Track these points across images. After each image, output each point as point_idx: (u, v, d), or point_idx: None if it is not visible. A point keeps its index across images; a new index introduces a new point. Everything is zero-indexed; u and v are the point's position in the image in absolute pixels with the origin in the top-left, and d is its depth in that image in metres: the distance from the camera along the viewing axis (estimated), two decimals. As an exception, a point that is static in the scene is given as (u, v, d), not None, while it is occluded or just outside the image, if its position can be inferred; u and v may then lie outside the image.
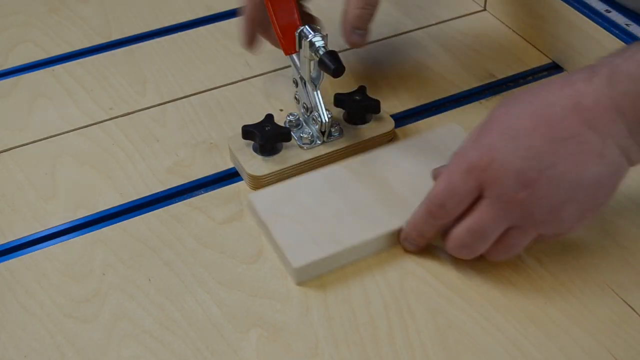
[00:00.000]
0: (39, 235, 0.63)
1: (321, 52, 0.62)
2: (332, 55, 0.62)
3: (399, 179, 0.63)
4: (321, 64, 0.63)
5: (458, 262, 0.59)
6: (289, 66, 0.69)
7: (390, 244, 0.60)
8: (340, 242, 0.59)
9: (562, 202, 0.53)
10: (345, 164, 0.65)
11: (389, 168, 0.64)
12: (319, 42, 0.63)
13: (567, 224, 0.54)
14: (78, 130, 0.72)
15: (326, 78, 0.65)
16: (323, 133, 0.67)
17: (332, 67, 0.61)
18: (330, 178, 0.64)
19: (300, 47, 0.65)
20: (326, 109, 0.66)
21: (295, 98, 0.69)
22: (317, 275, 0.59)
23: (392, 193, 0.62)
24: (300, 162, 0.66)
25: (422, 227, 0.58)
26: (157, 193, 0.66)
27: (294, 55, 0.68)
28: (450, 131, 0.68)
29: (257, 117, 0.68)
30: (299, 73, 0.67)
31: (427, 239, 0.59)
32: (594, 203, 0.54)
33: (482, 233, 0.55)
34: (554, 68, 0.79)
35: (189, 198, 0.66)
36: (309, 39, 0.63)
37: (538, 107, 0.53)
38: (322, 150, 0.67)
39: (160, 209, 0.64)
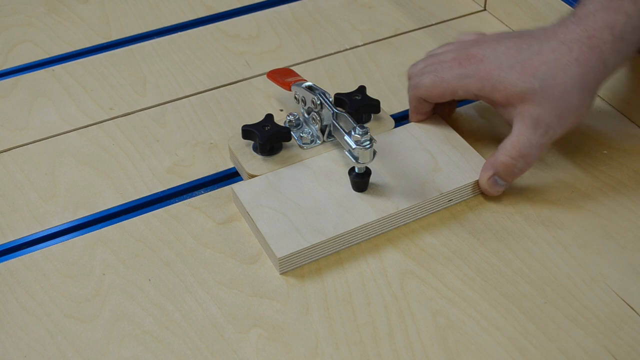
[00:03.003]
0: (39, 235, 0.63)
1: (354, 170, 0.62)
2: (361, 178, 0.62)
3: (379, 170, 0.64)
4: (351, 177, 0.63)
5: (458, 262, 0.59)
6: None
7: (371, 234, 0.61)
8: (323, 232, 0.59)
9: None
10: (327, 155, 0.66)
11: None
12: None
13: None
14: (78, 130, 0.72)
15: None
16: (323, 133, 0.67)
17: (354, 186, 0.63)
18: (314, 169, 0.65)
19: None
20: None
21: (295, 98, 0.69)
22: (301, 265, 0.59)
23: (373, 184, 0.63)
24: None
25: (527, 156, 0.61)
26: (157, 193, 0.66)
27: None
28: (429, 123, 0.69)
29: (257, 117, 0.68)
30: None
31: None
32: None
33: None
34: (554, 68, 0.79)
35: (189, 198, 0.65)
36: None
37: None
38: (322, 150, 0.67)
39: (160, 209, 0.64)
